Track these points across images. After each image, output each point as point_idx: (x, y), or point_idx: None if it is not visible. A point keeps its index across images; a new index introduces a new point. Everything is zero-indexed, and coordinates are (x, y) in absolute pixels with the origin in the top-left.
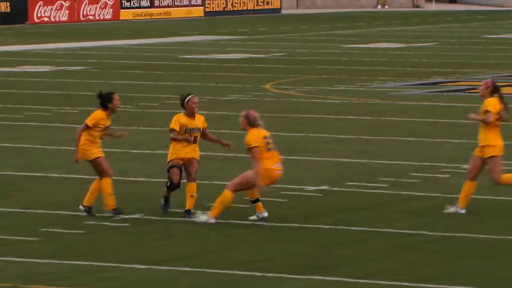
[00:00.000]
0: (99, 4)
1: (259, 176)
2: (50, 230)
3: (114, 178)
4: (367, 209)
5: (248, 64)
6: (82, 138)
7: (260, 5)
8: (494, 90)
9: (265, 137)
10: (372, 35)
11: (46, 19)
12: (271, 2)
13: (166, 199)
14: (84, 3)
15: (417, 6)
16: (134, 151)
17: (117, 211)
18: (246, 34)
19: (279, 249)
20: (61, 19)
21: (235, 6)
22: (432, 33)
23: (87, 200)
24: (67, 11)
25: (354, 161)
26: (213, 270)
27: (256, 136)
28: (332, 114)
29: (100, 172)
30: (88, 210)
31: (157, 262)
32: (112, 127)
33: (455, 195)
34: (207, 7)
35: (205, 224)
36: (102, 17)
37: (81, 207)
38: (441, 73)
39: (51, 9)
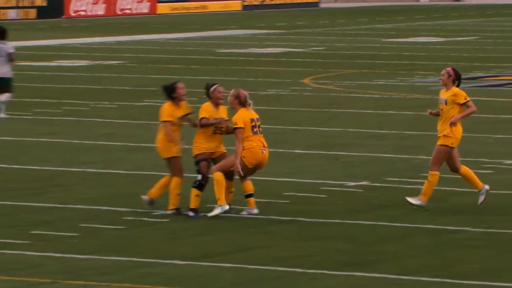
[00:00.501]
0: None
1: (237, 157)
2: (89, 225)
3: (152, 173)
4: (408, 205)
5: (287, 58)
6: (160, 135)
7: None
8: (457, 78)
9: (252, 120)
10: (412, 29)
11: (82, 13)
12: None
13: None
14: None
15: (458, 0)
16: None
17: (178, 211)
18: (284, 28)
19: (320, 245)
20: (97, 13)
21: (273, 0)
22: (472, 27)
23: (153, 192)
24: (104, 5)
25: (395, 157)
26: (254, 266)
27: (244, 116)
28: (372, 109)
29: (172, 170)
30: (152, 202)
31: (197, 258)
32: (149, 122)
33: (498, 191)
34: (245, 1)
35: (244, 219)
36: (139, 11)
37: (145, 197)
38: (482, 68)
39: (88, 3)
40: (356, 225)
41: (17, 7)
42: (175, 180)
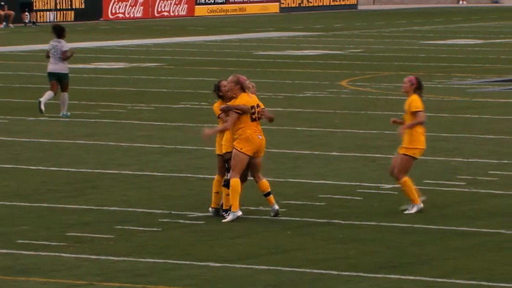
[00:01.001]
0: (174, 0)
1: (216, 130)
2: (125, 227)
3: (188, 175)
4: (445, 207)
5: (324, 60)
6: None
7: (336, 1)
8: (418, 87)
9: (252, 107)
10: (450, 31)
11: (120, 15)
12: None
13: (217, 210)
14: None
15: (496, 2)
16: (207, 148)
17: (215, 210)
18: (321, 30)
19: (355, 248)
20: (135, 15)
21: (310, 2)
22: (511, 29)
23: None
24: (142, 7)
25: (432, 159)
26: (289, 268)
27: (246, 102)
28: None
29: (218, 167)
30: (216, 211)
31: (232, 260)
32: (186, 124)
33: None
34: (283, 3)
35: (280, 221)
36: (176, 13)
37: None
38: None
39: (126, 5)
40: (391, 227)
41: (56, 10)
42: (217, 178)
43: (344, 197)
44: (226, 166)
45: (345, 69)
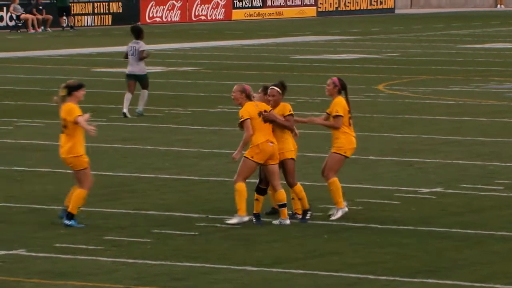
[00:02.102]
0: (211, 4)
1: (243, 142)
2: (162, 231)
3: (225, 179)
4: (482, 211)
5: (361, 64)
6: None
7: (374, 5)
8: (342, 88)
9: (260, 113)
10: (487, 35)
11: (158, 19)
12: (385, 1)
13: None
14: (196, 3)
15: None
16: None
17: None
18: (359, 34)
19: (393, 252)
20: (173, 20)
21: (348, 6)
22: None
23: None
24: (179, 11)
25: (469, 163)
26: (326, 272)
27: (250, 110)
28: (447, 115)
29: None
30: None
31: (269, 264)
32: (223, 128)
33: None
34: (320, 7)
35: (317, 225)
36: (214, 17)
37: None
38: None
39: (163, 9)
40: (429, 231)
41: (93, 14)
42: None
43: (382, 201)
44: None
45: (382, 73)
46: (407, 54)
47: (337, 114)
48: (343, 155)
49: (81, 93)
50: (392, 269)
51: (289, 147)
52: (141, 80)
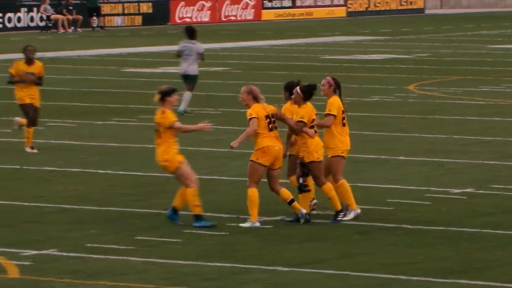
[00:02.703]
0: (241, 5)
1: (245, 134)
2: (193, 231)
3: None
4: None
5: (391, 65)
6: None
7: (404, 5)
8: (337, 87)
9: (267, 116)
10: None
11: (187, 19)
12: (415, 2)
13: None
14: (225, 4)
15: None
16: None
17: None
18: (389, 34)
19: (424, 252)
20: (202, 20)
21: (377, 6)
22: None
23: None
24: (209, 12)
25: (499, 163)
26: (357, 273)
27: (257, 110)
28: (477, 115)
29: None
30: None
31: (300, 264)
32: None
33: None
34: (349, 7)
35: (348, 225)
36: (243, 18)
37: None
38: None
39: (193, 10)
40: (460, 232)
41: (123, 14)
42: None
43: (413, 201)
44: (302, 171)
45: (412, 74)
46: (438, 55)
47: (329, 112)
48: (341, 156)
49: (174, 97)
50: (423, 270)
51: (310, 149)
52: (191, 80)
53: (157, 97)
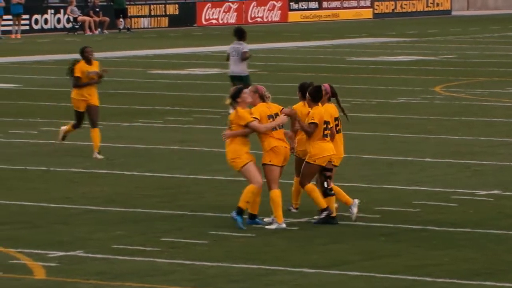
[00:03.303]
0: (267, 6)
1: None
2: (219, 233)
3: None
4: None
5: (418, 66)
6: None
7: (430, 7)
8: (332, 95)
9: (270, 116)
10: None
11: (214, 21)
12: (441, 3)
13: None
14: (252, 5)
15: None
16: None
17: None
18: (415, 36)
19: (450, 254)
20: (229, 21)
21: (404, 8)
22: None
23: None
24: (235, 13)
25: None
26: (383, 274)
27: (261, 110)
28: (504, 117)
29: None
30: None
31: (326, 266)
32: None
33: None
34: (376, 9)
35: (373, 227)
36: (270, 19)
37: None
38: None
39: (219, 11)
40: (486, 234)
41: (150, 16)
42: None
43: (439, 203)
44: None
45: (439, 75)
46: (464, 56)
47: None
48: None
49: (244, 95)
50: (449, 272)
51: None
52: (242, 81)
53: (228, 101)
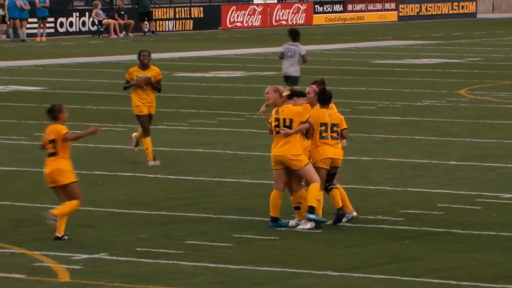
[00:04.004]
0: (292, 9)
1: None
2: (243, 236)
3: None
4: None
5: (443, 69)
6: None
7: (455, 9)
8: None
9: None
10: None
11: (239, 24)
12: (466, 6)
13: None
14: (276, 8)
15: None
16: None
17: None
18: (440, 38)
19: (474, 257)
20: (253, 24)
21: (429, 11)
22: None
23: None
24: (260, 16)
25: None
26: (408, 278)
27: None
28: None
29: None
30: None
31: (350, 269)
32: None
33: None
34: (401, 12)
35: (398, 230)
36: (295, 22)
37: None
38: None
39: (244, 14)
40: (511, 237)
41: (174, 19)
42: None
43: (463, 206)
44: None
45: (464, 78)
46: (489, 59)
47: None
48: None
49: (299, 101)
50: (474, 275)
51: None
52: (293, 82)
53: (286, 92)
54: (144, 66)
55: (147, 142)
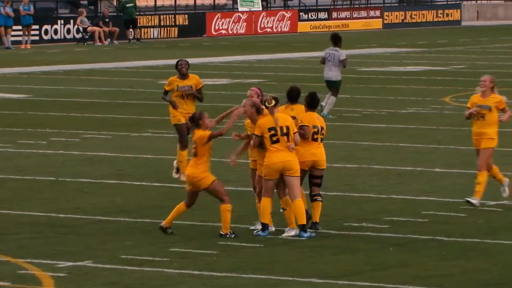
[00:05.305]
0: (277, 17)
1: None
2: (228, 243)
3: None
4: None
5: (428, 76)
6: None
7: (440, 17)
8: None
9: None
10: None
11: (223, 31)
12: (451, 14)
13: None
14: (261, 16)
15: None
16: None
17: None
18: (425, 46)
19: (459, 264)
20: (238, 32)
21: (414, 18)
22: None
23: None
24: (245, 24)
25: None
26: (393, 285)
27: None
28: None
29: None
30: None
31: (335, 276)
32: None
33: None
34: (385, 19)
35: (382, 238)
36: (279, 30)
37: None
38: None
39: (229, 22)
40: (496, 244)
41: (159, 26)
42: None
43: (448, 213)
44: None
45: (448, 85)
46: (474, 66)
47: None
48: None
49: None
50: (459, 282)
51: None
52: (333, 86)
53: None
54: (183, 76)
55: (183, 156)
